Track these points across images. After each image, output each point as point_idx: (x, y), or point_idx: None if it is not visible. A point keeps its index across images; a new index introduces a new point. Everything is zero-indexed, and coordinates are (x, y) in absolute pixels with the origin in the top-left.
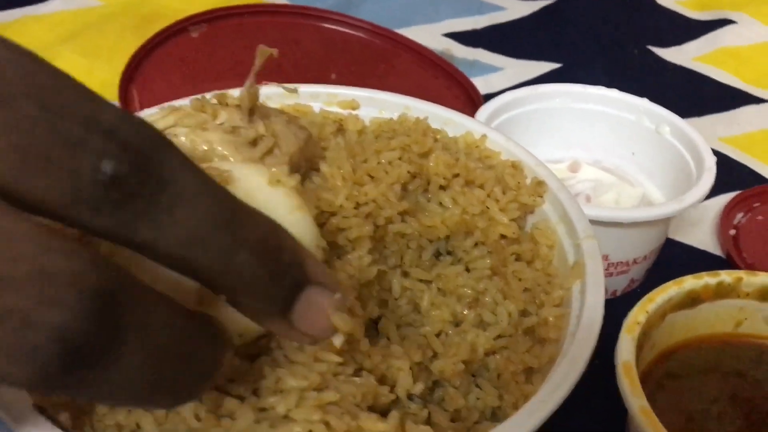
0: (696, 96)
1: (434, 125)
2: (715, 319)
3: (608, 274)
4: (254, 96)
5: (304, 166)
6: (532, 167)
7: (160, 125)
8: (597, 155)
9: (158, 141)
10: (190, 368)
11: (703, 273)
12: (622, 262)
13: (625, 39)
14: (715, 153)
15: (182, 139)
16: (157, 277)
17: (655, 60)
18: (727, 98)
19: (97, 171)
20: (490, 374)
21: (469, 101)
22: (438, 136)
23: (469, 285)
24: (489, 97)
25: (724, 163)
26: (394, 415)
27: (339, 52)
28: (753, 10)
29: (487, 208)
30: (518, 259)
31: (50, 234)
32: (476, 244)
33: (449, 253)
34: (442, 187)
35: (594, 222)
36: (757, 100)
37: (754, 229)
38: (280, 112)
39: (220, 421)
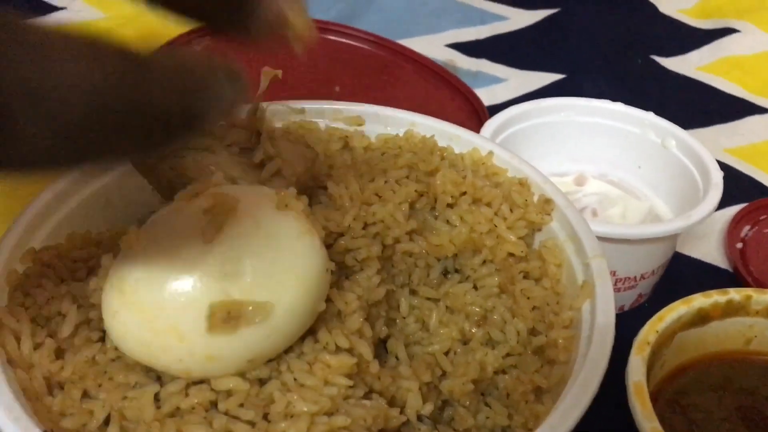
0: (700, 106)
1: (440, 142)
2: (724, 337)
3: (616, 290)
4: (261, 117)
5: (311, 185)
6: (539, 184)
7: None
8: (603, 169)
9: None
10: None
11: (713, 291)
12: (629, 278)
13: (628, 48)
14: (720, 164)
15: (190, 160)
16: None
17: (658, 70)
18: (732, 108)
19: None
20: (499, 393)
21: (473, 112)
22: (444, 154)
23: (477, 303)
24: (492, 108)
25: (729, 174)
26: None
27: (342, 63)
28: (756, 18)
29: (495, 226)
30: (526, 277)
31: None
32: (484, 262)
33: (457, 271)
34: (449, 206)
35: (602, 238)
36: (762, 110)
37: (761, 242)
38: (287, 131)
39: None
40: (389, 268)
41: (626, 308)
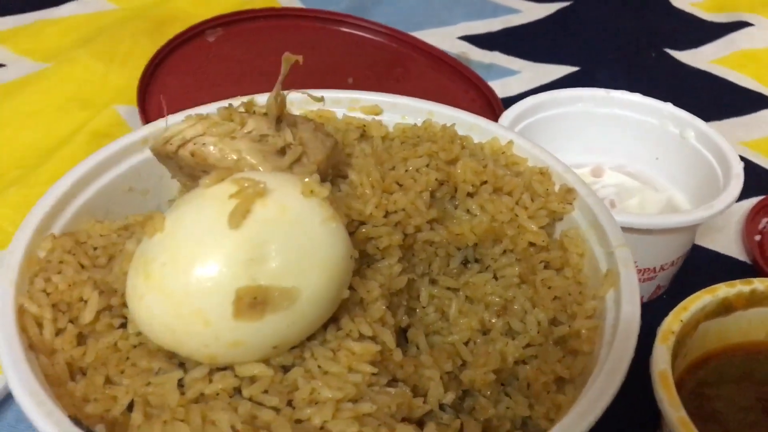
0: (715, 99)
1: (459, 131)
2: (747, 327)
3: None
4: (281, 104)
5: (331, 174)
6: (560, 174)
7: (188, 134)
8: (620, 160)
9: None
10: None
11: (736, 281)
12: (649, 269)
13: (642, 42)
14: None
15: (211, 148)
16: None
17: (672, 63)
18: (747, 101)
19: None
20: (519, 383)
21: (487, 105)
22: (464, 143)
23: (497, 293)
24: (506, 100)
25: (745, 167)
26: (432, 426)
27: (355, 55)
28: None
29: (516, 215)
30: (547, 267)
31: None
32: (504, 252)
33: (477, 260)
34: (469, 195)
35: (623, 228)
36: None
37: None
38: (307, 119)
39: None
40: (409, 257)
41: (645, 300)
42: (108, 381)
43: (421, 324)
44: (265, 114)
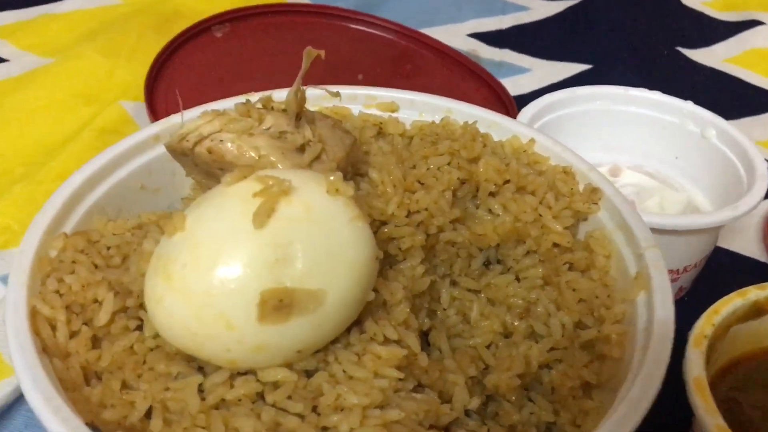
0: (729, 98)
1: (479, 129)
2: None
3: None
4: (302, 100)
5: (350, 172)
6: (584, 172)
7: (205, 130)
8: (637, 159)
9: None
10: None
11: (766, 283)
12: (672, 270)
13: (654, 40)
14: None
15: (229, 145)
16: None
17: (685, 61)
18: (761, 100)
19: None
20: (543, 388)
21: (499, 103)
22: (485, 141)
23: (519, 295)
24: (518, 98)
25: None
26: None
27: (364, 52)
28: None
29: (540, 215)
30: (571, 268)
31: None
32: (528, 253)
33: (498, 261)
34: (491, 194)
35: None
36: None
37: None
38: (325, 116)
39: None
40: (430, 258)
41: None
42: (125, 386)
43: (443, 327)
44: (284, 110)
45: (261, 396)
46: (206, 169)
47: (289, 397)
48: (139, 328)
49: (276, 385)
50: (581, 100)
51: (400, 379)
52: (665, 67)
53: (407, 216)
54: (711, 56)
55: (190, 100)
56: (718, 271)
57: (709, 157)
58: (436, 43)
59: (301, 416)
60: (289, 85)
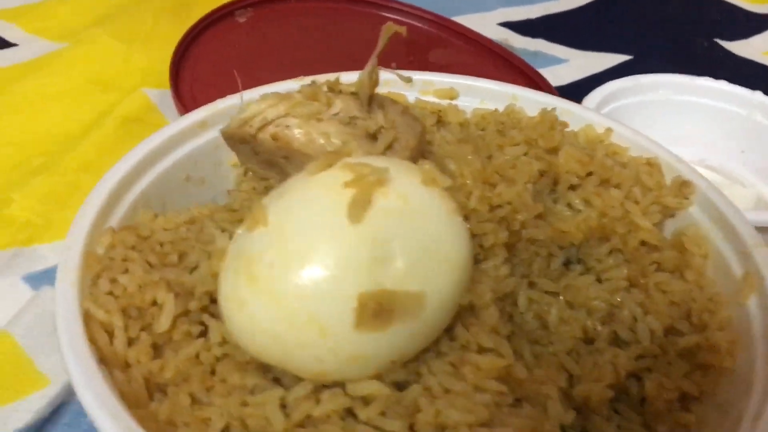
0: None
1: None
2: None
3: None
4: (375, 82)
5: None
6: (671, 164)
7: (270, 115)
8: (700, 153)
9: None
10: None
11: None
12: None
13: (691, 31)
14: None
15: (296, 131)
16: None
17: (724, 54)
18: None
19: None
20: (630, 399)
21: None
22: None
23: (601, 297)
24: (558, 90)
25: None
26: None
27: (395, 40)
28: None
29: (627, 211)
30: (659, 269)
31: None
32: (611, 252)
33: (578, 261)
34: (571, 187)
35: None
36: None
37: None
38: (393, 101)
39: None
40: (510, 257)
41: None
42: (194, 400)
43: (522, 332)
44: (353, 93)
45: (350, 412)
46: (268, 158)
47: (383, 414)
48: (203, 334)
49: (366, 400)
50: (645, 89)
51: (500, 393)
52: (705, 58)
53: (489, 211)
54: (750, 48)
55: (217, 87)
56: None
57: None
58: (468, 32)
59: None
60: (317, 72)
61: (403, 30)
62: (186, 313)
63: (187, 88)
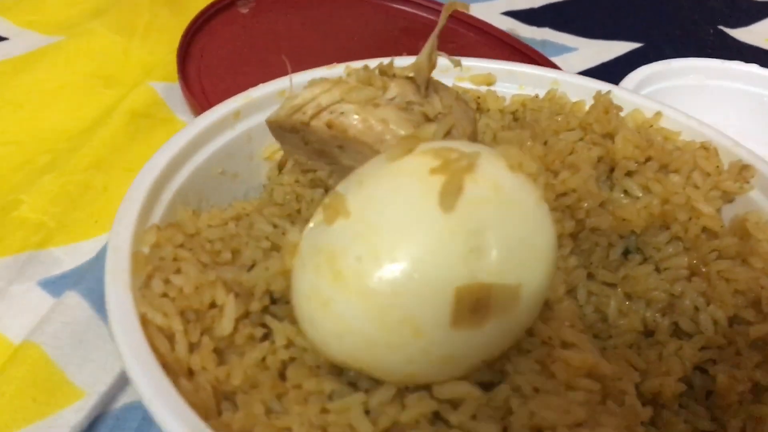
0: None
1: (590, 103)
2: None
3: None
4: (433, 64)
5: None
6: (728, 148)
7: (324, 100)
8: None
9: None
10: None
11: None
12: None
13: (696, 18)
14: None
15: (353, 117)
16: None
17: (730, 41)
18: None
19: None
20: (694, 392)
21: None
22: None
23: (661, 287)
24: None
25: None
26: None
27: (404, 31)
28: None
29: (689, 197)
30: (720, 256)
31: None
32: (671, 240)
33: (637, 250)
34: (628, 173)
35: None
36: None
37: None
38: (446, 85)
39: None
40: (574, 248)
41: None
42: (267, 409)
43: (583, 326)
44: (408, 77)
45: (437, 416)
46: (320, 148)
47: (474, 417)
48: (266, 336)
49: (454, 403)
50: (677, 74)
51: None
52: (714, 46)
53: (555, 199)
54: (753, 35)
55: (225, 79)
56: None
57: None
58: (477, 22)
59: None
60: (329, 62)
61: (466, 7)
62: (246, 314)
63: (195, 80)
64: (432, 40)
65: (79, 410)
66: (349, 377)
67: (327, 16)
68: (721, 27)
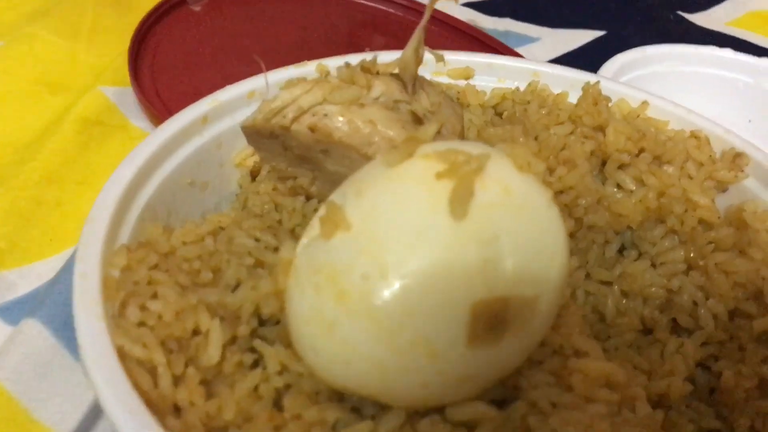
0: None
1: (572, 95)
2: None
3: None
4: (420, 60)
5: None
6: (719, 136)
7: (305, 102)
8: None
9: None
10: None
11: None
12: None
13: (656, 3)
14: None
15: (337, 120)
16: None
17: (690, 26)
18: None
19: None
20: (698, 390)
21: None
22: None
23: (658, 283)
24: None
25: None
26: None
27: (362, 25)
28: None
29: (684, 188)
30: (717, 248)
31: None
32: (666, 234)
33: (632, 246)
34: (620, 166)
35: None
36: None
37: None
38: (431, 81)
39: None
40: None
41: None
42: None
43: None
44: (392, 74)
45: None
46: (301, 153)
47: None
48: (257, 363)
49: (470, 426)
50: (652, 60)
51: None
52: (675, 31)
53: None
54: (712, 20)
55: (181, 80)
56: None
57: None
58: (437, 14)
59: None
60: (290, 62)
61: None
62: (234, 340)
63: (149, 83)
64: (418, 34)
65: None
66: (352, 402)
67: (281, 11)
68: (680, 12)
